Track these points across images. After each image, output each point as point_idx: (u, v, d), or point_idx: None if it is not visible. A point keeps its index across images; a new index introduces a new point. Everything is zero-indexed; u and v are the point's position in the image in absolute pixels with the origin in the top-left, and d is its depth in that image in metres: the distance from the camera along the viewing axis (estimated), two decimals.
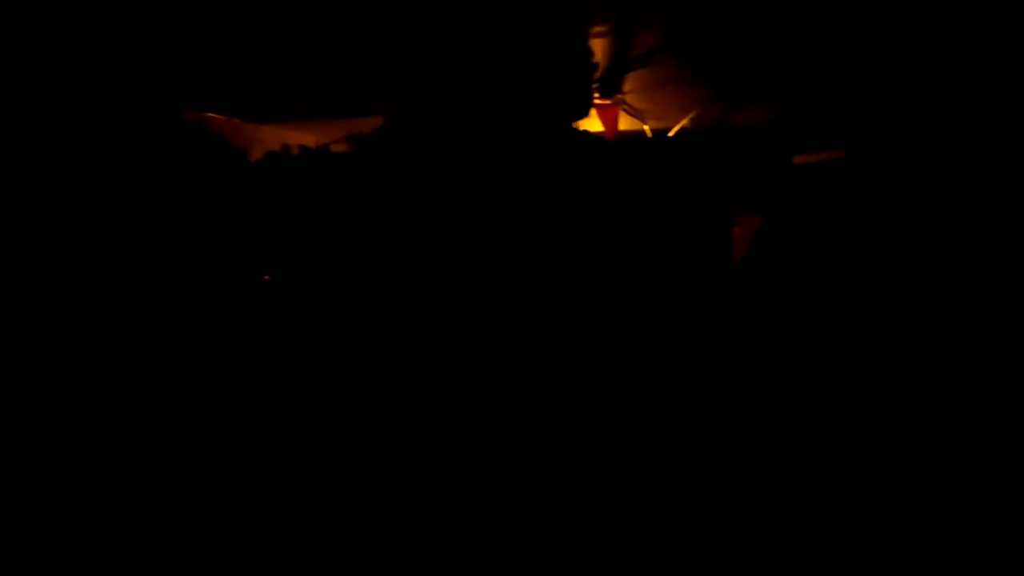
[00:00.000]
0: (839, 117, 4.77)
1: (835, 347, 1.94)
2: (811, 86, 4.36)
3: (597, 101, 4.53)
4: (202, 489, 1.83)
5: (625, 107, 4.73)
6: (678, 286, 1.22)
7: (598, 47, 3.85)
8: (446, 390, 1.11)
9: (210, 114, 5.16)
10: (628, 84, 4.41)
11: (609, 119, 4.62)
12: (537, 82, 1.17)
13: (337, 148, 5.56)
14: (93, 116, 1.77)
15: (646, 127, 5.16)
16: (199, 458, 1.81)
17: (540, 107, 1.18)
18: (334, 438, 1.19)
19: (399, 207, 1.15)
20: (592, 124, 4.75)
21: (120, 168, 1.85)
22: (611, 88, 4.40)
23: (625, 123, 4.94)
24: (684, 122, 5.01)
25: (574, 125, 1.26)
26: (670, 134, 5.13)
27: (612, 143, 4.63)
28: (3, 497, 1.93)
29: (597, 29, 3.56)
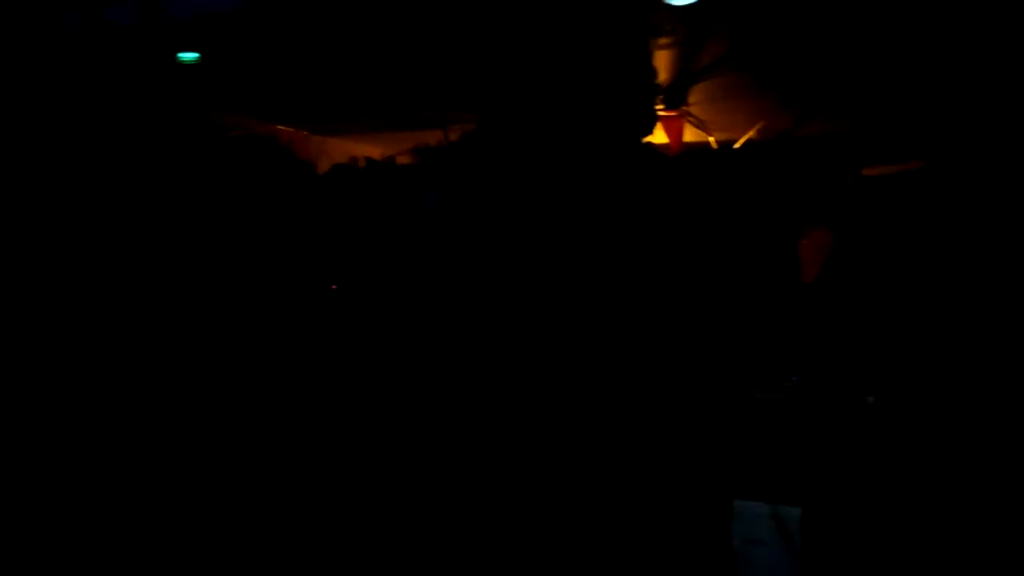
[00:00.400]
0: (912, 127, 4.65)
1: (911, 365, 1.89)
2: (882, 94, 4.26)
3: (662, 113, 4.51)
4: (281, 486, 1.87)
5: (690, 119, 4.69)
6: (744, 299, 1.21)
7: (663, 59, 3.83)
8: (517, 403, 1.11)
9: (279, 126, 5.29)
10: (694, 96, 4.37)
11: (674, 131, 4.58)
12: (603, 101, 1.17)
13: (403, 160, 5.64)
14: (161, 128, 1.83)
15: (711, 139, 5.11)
16: (283, 457, 1.85)
17: (606, 125, 1.18)
18: (401, 439, 1.21)
19: (467, 221, 1.16)
20: (656, 136, 4.71)
21: (187, 179, 1.91)
22: (676, 100, 4.37)
23: (690, 135, 4.90)
24: (751, 133, 4.94)
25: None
26: (736, 146, 5.06)
27: (676, 155, 4.60)
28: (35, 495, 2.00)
29: (663, 41, 3.54)
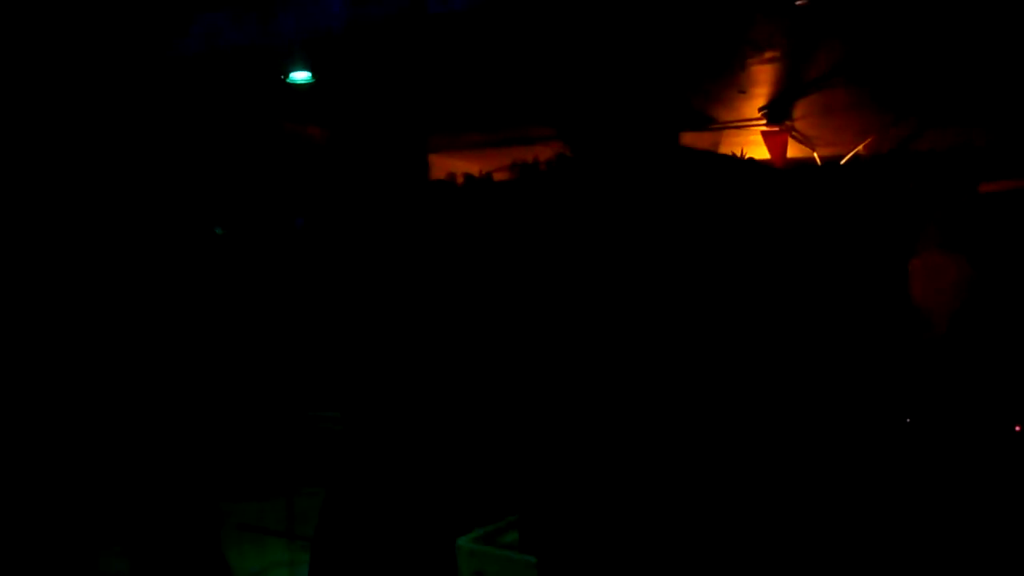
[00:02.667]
0: None
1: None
2: (1000, 106, 4.04)
3: (764, 128, 4.41)
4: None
5: (794, 134, 4.56)
6: (850, 322, 1.17)
7: (765, 73, 3.74)
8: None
9: None
10: (799, 110, 4.26)
11: (777, 147, 4.47)
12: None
13: (500, 176, 5.69)
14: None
15: (815, 154, 4.95)
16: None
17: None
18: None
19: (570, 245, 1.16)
20: (758, 152, 4.61)
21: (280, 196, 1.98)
22: (780, 115, 4.27)
23: (794, 150, 4.77)
24: (859, 148, 4.76)
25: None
26: (842, 162, 4.89)
27: (779, 171, 4.48)
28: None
29: (768, 55, 3.47)
